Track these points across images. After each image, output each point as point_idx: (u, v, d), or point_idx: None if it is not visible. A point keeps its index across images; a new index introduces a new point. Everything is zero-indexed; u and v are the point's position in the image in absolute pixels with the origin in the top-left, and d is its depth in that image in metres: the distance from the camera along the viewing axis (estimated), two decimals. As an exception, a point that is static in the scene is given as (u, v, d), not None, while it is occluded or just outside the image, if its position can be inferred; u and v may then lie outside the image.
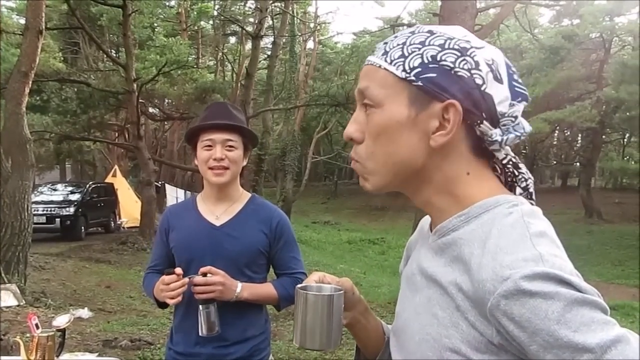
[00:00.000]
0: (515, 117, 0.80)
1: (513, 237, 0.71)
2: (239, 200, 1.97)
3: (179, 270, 1.79)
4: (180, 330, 1.93)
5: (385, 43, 0.82)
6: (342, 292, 0.89)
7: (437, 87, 0.76)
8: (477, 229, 0.76)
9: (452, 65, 0.76)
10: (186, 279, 1.76)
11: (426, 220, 0.91)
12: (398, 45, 0.79)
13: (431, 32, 0.79)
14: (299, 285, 0.89)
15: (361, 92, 0.81)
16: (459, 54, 0.77)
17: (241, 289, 1.83)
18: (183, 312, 1.90)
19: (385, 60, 0.79)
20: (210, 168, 1.88)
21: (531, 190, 0.83)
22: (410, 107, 0.77)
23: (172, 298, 1.76)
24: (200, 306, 1.78)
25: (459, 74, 0.76)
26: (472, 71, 0.76)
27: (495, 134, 0.78)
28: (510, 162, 0.83)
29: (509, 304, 0.66)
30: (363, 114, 0.81)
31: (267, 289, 1.91)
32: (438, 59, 0.76)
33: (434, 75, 0.76)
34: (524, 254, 0.68)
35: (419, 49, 0.78)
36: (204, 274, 1.78)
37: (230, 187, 1.95)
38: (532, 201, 0.83)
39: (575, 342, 0.63)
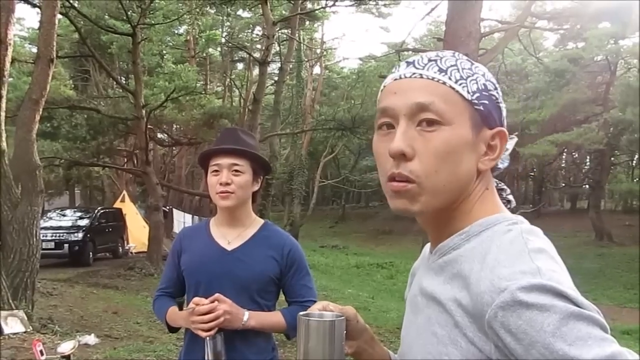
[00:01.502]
0: (507, 150, 0.86)
1: (512, 251, 0.73)
2: (251, 226, 1.96)
3: (197, 299, 1.78)
4: (188, 355, 1.92)
5: (432, 60, 0.81)
6: (343, 318, 0.88)
7: (489, 113, 0.81)
8: (477, 246, 0.77)
9: (496, 96, 0.83)
10: (220, 311, 1.74)
11: (429, 244, 0.92)
12: (453, 65, 0.81)
13: (470, 61, 0.83)
14: (301, 313, 0.89)
15: (422, 106, 0.77)
16: (494, 86, 0.83)
17: (248, 318, 1.81)
18: (190, 337, 1.89)
19: (450, 78, 0.79)
20: (217, 192, 1.89)
21: (512, 201, 0.90)
22: (473, 130, 0.79)
23: (207, 330, 1.75)
24: (207, 337, 1.76)
25: (499, 104, 0.83)
26: (500, 104, 0.84)
27: (500, 161, 0.85)
28: (500, 183, 0.91)
29: (506, 315, 0.66)
30: (413, 129, 0.78)
31: (275, 317, 1.89)
32: (487, 87, 0.82)
33: (487, 102, 0.81)
34: (521, 267, 0.69)
35: (472, 74, 0.81)
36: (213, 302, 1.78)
37: (241, 211, 1.94)
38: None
39: (570, 356, 0.62)
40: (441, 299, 0.78)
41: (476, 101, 0.79)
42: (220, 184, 1.87)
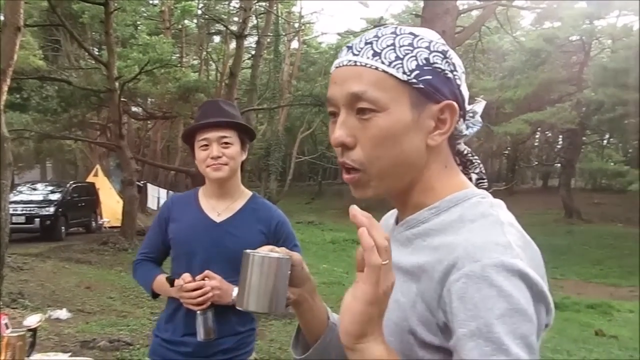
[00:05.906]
0: (475, 113, 0.86)
1: (485, 223, 0.76)
2: (240, 198, 1.99)
3: (187, 277, 1.80)
4: (171, 321, 1.95)
5: (369, 43, 0.80)
6: (288, 258, 0.87)
7: (433, 88, 0.79)
8: (447, 219, 0.79)
9: (442, 67, 0.80)
10: (208, 288, 1.78)
11: (390, 214, 0.95)
12: (388, 46, 0.79)
13: (413, 35, 0.81)
14: (247, 250, 0.87)
15: (356, 96, 0.78)
16: (442, 56, 0.81)
17: None
18: (177, 304, 1.90)
19: (382, 62, 0.78)
20: (209, 166, 1.90)
21: (484, 175, 0.90)
22: (413, 110, 0.79)
23: (199, 305, 1.78)
24: (198, 311, 1.79)
25: (447, 75, 0.81)
26: (453, 72, 0.82)
27: (464, 128, 0.85)
28: (470, 153, 0.90)
29: (468, 284, 0.69)
30: (352, 117, 0.79)
31: None
32: (430, 61, 0.80)
33: (430, 77, 0.79)
34: (495, 239, 0.72)
35: (411, 51, 0.79)
36: (202, 279, 1.80)
37: (231, 183, 1.97)
38: (484, 181, 0.90)
39: (503, 342, 0.66)
40: (407, 268, 0.80)
41: (415, 80, 0.78)
42: (212, 158, 1.88)
